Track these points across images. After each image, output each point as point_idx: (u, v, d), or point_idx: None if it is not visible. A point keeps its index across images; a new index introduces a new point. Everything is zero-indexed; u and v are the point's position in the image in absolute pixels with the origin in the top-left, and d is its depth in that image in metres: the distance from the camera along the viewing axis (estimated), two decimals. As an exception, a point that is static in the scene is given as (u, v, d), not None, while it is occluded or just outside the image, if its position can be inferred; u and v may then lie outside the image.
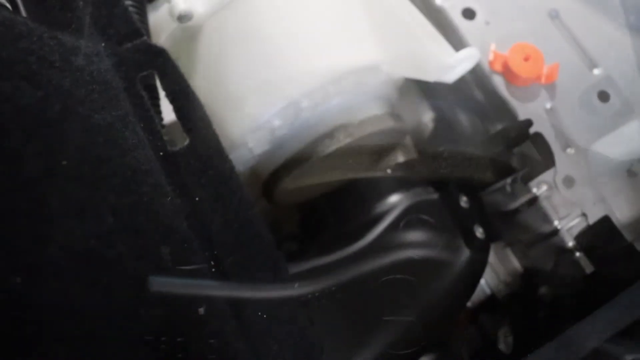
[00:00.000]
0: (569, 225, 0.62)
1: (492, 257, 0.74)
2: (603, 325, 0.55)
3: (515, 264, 0.72)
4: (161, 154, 0.52)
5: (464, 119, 0.75)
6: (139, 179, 0.43)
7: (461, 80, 0.70)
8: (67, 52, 0.45)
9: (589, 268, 0.61)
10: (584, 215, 0.62)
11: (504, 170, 0.67)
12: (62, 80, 0.42)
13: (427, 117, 0.82)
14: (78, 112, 0.42)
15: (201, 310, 0.41)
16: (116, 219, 0.39)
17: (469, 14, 0.68)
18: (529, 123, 0.59)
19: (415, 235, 0.61)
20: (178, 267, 0.41)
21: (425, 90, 0.82)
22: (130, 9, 0.58)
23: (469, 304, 0.76)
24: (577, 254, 0.62)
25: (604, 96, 0.66)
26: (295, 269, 0.57)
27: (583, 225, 0.62)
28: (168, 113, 0.56)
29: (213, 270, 0.49)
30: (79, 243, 0.36)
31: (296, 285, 0.56)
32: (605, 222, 0.61)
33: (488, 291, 0.75)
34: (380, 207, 0.62)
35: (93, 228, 0.37)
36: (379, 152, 0.74)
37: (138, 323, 0.37)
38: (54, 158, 0.38)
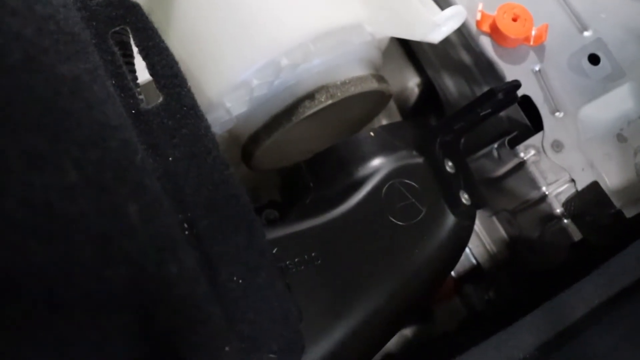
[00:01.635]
0: (557, 191, 0.60)
1: (477, 226, 0.72)
2: (591, 293, 0.54)
3: (502, 232, 0.71)
4: (133, 111, 0.50)
5: (450, 83, 0.74)
6: (106, 134, 0.40)
7: (447, 42, 0.68)
8: (30, 0, 0.42)
9: (576, 235, 0.59)
10: (572, 181, 0.60)
11: (491, 134, 0.66)
12: (24, 29, 0.40)
13: (413, 82, 0.81)
14: (41, 61, 0.39)
15: (172, 270, 0.39)
16: (80, 173, 0.36)
17: (455, -27, 0.66)
18: (516, 84, 0.57)
19: (398, 200, 0.59)
20: (146, 225, 0.39)
21: (410, 54, 0.81)
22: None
23: (453, 273, 0.74)
24: (565, 220, 0.60)
25: (594, 59, 0.64)
26: (273, 234, 0.55)
27: (571, 191, 0.60)
28: (144, 72, 0.54)
29: (186, 232, 0.47)
30: (39, 196, 0.34)
31: (274, 250, 0.54)
32: (594, 188, 0.60)
33: (473, 261, 0.74)
34: (363, 171, 0.60)
35: (54, 181, 0.35)
36: (362, 115, 0.72)
37: (102, 284, 0.35)
38: (13, 107, 0.35)
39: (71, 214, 0.35)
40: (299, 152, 0.68)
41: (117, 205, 0.38)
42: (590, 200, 0.60)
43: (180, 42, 0.58)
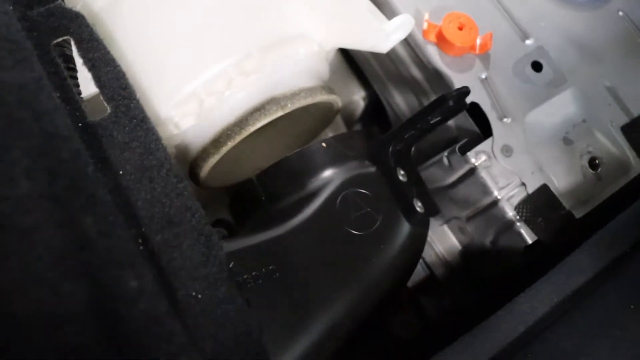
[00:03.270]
0: (508, 195, 0.61)
1: (430, 235, 0.72)
2: (549, 293, 0.54)
3: (454, 240, 0.71)
4: (80, 125, 0.48)
5: (397, 95, 0.74)
6: (56, 144, 0.39)
7: (393, 53, 0.68)
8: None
9: (530, 237, 0.60)
10: (523, 184, 0.61)
11: (441, 142, 0.66)
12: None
13: (358, 96, 0.81)
14: (-17, 69, 0.37)
15: (133, 285, 0.37)
16: (32, 183, 0.34)
17: (400, -15, 0.66)
18: (466, 90, 0.58)
19: (353, 210, 0.58)
20: (101, 238, 0.37)
21: (355, 67, 0.81)
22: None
23: (408, 284, 0.74)
24: (518, 224, 0.61)
25: (537, 66, 0.66)
26: (229, 248, 0.54)
27: (522, 194, 0.61)
28: (89, 85, 0.52)
29: (141, 247, 0.45)
30: (-13, 208, 0.31)
31: (231, 264, 0.52)
32: (544, 191, 0.61)
33: (427, 270, 0.73)
34: (316, 182, 0.60)
35: (5, 192, 0.33)
36: (311, 127, 0.71)
37: (61, 299, 0.33)
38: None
39: (25, 225, 0.32)
40: (248, 168, 0.67)
41: (72, 216, 0.36)
42: (540, 203, 0.60)
43: (126, 54, 0.57)
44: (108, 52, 0.51)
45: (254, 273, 0.53)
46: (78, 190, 0.38)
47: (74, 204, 0.37)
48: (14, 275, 0.31)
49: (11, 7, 0.48)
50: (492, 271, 0.66)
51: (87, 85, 0.52)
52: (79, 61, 0.52)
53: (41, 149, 0.37)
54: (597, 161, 0.64)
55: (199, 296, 0.46)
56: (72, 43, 0.51)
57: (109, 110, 0.49)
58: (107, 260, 0.37)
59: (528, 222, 0.60)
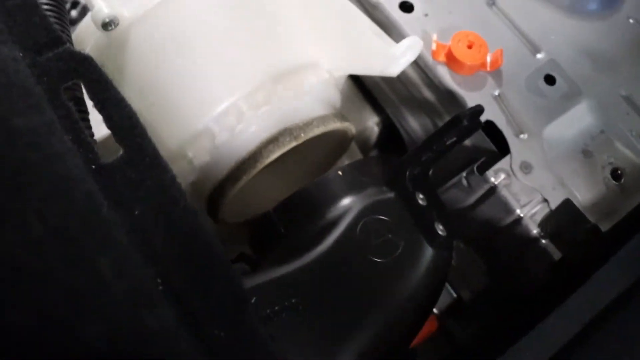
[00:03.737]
0: (531, 212, 0.60)
1: (453, 258, 0.71)
2: (579, 311, 0.53)
3: (479, 261, 0.69)
4: (93, 167, 0.47)
5: (410, 118, 0.73)
6: (69, 186, 0.38)
7: (404, 76, 0.68)
8: (-23, 54, 0.40)
9: (556, 254, 0.59)
10: (545, 200, 0.60)
11: (459, 163, 0.65)
12: (-26, 82, 0.38)
13: (372, 121, 0.80)
14: (-6, 115, 0.37)
15: (151, 325, 0.36)
16: (45, 226, 0.34)
17: (406, 7, 0.66)
18: (480, 109, 0.57)
19: (374, 237, 0.57)
20: (118, 280, 0.36)
21: (367, 93, 0.81)
22: (50, 16, 0.54)
23: (435, 310, 0.73)
24: (543, 241, 0.59)
25: (550, 79, 0.65)
26: (250, 283, 0.53)
27: (545, 211, 0.60)
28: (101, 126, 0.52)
29: (160, 287, 0.44)
30: (3, 253, 0.31)
31: (253, 300, 0.51)
32: (567, 206, 0.59)
33: (453, 294, 0.72)
34: (334, 212, 0.59)
35: (18, 236, 0.32)
36: (326, 156, 0.71)
37: (78, 342, 0.32)
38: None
39: (40, 269, 0.32)
40: (267, 200, 0.66)
41: (86, 258, 0.35)
42: (565, 218, 0.59)
43: (136, 93, 0.57)
44: (118, 92, 0.50)
45: (276, 307, 0.52)
46: (92, 231, 0.37)
47: (88, 245, 0.36)
48: (29, 320, 0.30)
49: (21, 54, 0.49)
50: (520, 290, 0.65)
51: (100, 127, 0.52)
52: (90, 103, 0.52)
53: (53, 191, 0.37)
54: (619, 172, 0.62)
55: (222, 334, 0.45)
56: (82, 85, 0.51)
57: (121, 150, 0.49)
58: (124, 301, 0.36)
59: (553, 239, 0.59)
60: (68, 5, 0.95)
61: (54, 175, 0.38)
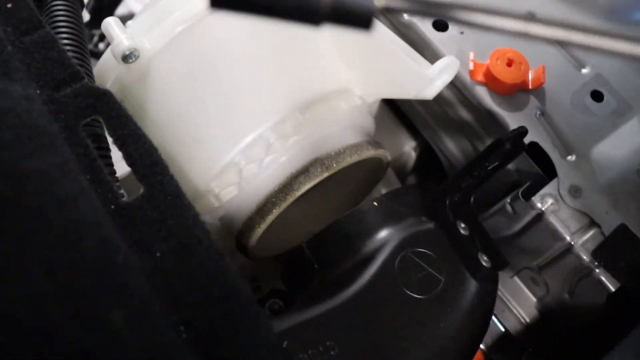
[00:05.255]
0: (582, 239, 0.56)
1: (500, 289, 0.67)
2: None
3: (527, 293, 0.65)
4: (112, 207, 0.45)
5: (449, 141, 0.70)
6: (81, 233, 0.36)
7: (441, 98, 0.65)
8: (-14, 94, 0.38)
9: (613, 284, 0.54)
10: (597, 226, 0.55)
11: (502, 188, 0.61)
12: (-20, 124, 0.36)
13: (409, 146, 0.77)
14: (1, 158, 0.35)
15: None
16: (51, 280, 0.31)
17: (440, 25, 0.63)
18: (523, 130, 0.53)
19: (413, 272, 0.54)
20: (134, 333, 0.34)
21: (403, 117, 0.78)
22: (69, 50, 0.52)
23: (481, 345, 0.68)
24: (597, 270, 0.55)
25: (597, 96, 0.61)
26: (281, 325, 0.50)
27: (598, 237, 0.55)
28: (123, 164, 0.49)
29: (183, 336, 0.41)
30: (3, 310, 0.28)
31: (285, 344, 0.48)
32: (623, 231, 0.55)
33: (501, 328, 0.68)
34: (370, 245, 0.55)
35: (20, 291, 0.30)
36: (361, 185, 0.67)
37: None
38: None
39: (42, 328, 0.29)
40: (299, 233, 0.63)
41: (97, 313, 0.33)
42: (620, 245, 0.55)
43: (157, 128, 0.54)
44: (138, 128, 0.48)
45: (310, 351, 0.49)
46: (105, 282, 0.35)
47: (100, 299, 0.34)
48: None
49: (38, 91, 0.47)
50: (573, 324, 0.60)
51: (121, 163, 0.50)
52: (110, 140, 0.50)
53: (63, 239, 0.34)
54: (678, 193, 0.58)
55: (251, 383, 0.42)
56: (102, 121, 0.49)
57: (142, 189, 0.46)
58: (140, 357, 0.33)
59: (608, 268, 0.54)
60: (96, 39, 0.94)
61: (65, 221, 0.35)
